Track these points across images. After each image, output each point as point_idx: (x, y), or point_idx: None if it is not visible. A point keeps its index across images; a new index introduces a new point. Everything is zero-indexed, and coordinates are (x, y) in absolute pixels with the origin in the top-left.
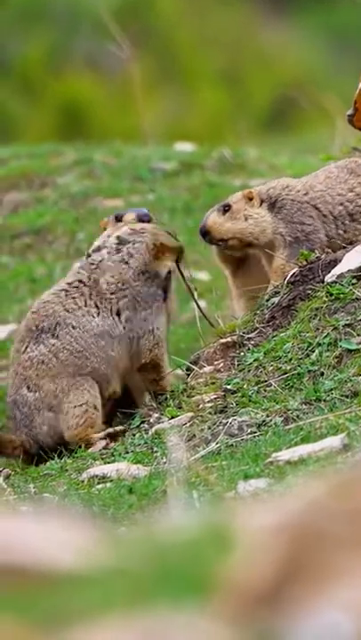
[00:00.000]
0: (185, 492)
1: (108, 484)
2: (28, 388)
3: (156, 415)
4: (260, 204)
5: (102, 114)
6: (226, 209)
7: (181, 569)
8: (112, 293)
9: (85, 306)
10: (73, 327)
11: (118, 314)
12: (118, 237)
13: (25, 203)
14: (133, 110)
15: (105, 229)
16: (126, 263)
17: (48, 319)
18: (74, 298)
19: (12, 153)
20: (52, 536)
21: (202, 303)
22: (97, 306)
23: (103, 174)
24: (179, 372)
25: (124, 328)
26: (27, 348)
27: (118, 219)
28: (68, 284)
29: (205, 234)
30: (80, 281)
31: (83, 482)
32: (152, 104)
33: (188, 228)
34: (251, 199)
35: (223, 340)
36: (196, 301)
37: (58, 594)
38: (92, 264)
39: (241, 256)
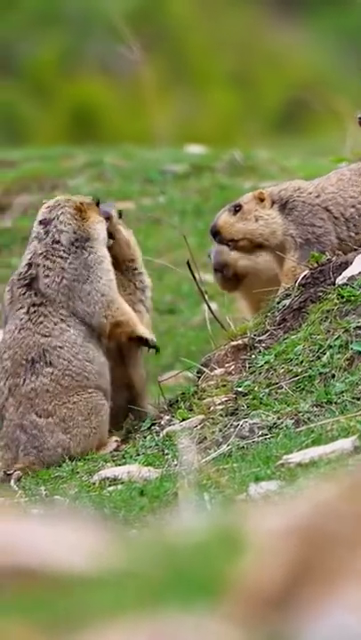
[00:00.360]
0: (196, 495)
1: (120, 487)
2: (37, 414)
3: (167, 417)
4: (272, 206)
5: (113, 116)
6: (237, 209)
7: (192, 571)
8: (56, 291)
9: (55, 324)
10: (60, 347)
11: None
12: (40, 221)
13: (35, 205)
14: (144, 113)
15: None
16: (57, 242)
17: (33, 350)
18: (41, 323)
19: (23, 155)
20: (63, 538)
21: (213, 305)
22: (62, 316)
23: (114, 177)
24: (189, 374)
25: (77, 316)
26: (25, 381)
27: None
28: (26, 313)
29: (216, 234)
30: (33, 304)
31: (94, 484)
32: (163, 106)
33: (198, 231)
34: (262, 200)
35: (234, 343)
36: (207, 303)
37: (69, 596)
38: (23, 279)
39: (236, 283)
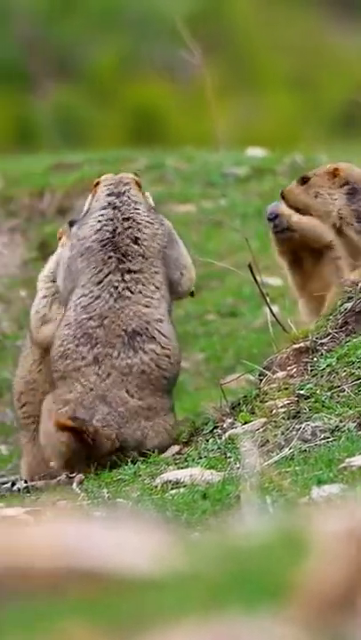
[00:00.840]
0: (258, 498)
1: (182, 490)
2: (128, 392)
3: (230, 420)
4: (341, 186)
5: (174, 119)
6: (305, 180)
7: (255, 574)
8: (154, 255)
9: (153, 293)
10: (160, 321)
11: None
12: (109, 194)
13: None
14: (205, 116)
15: (60, 239)
16: (137, 209)
17: (134, 320)
18: (140, 292)
19: (84, 158)
20: (126, 541)
21: (274, 308)
22: (158, 283)
23: (175, 180)
24: (251, 377)
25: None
26: (120, 353)
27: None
28: (121, 280)
29: (282, 198)
30: (129, 271)
31: (156, 487)
32: (224, 109)
33: (259, 234)
34: (335, 176)
35: (296, 346)
36: (269, 306)
37: (132, 599)
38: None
39: (297, 254)
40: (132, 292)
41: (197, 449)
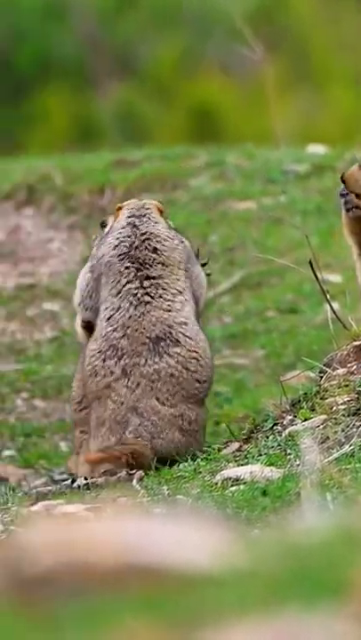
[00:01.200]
0: (318, 495)
1: (242, 487)
2: (158, 399)
3: (290, 417)
4: None
5: (235, 116)
6: None
7: (315, 571)
8: (178, 262)
9: (175, 296)
10: (184, 324)
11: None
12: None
13: None
14: (266, 113)
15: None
16: (156, 228)
17: (156, 326)
18: (161, 296)
19: (144, 155)
20: (186, 538)
21: (335, 305)
22: (180, 287)
23: (235, 176)
24: (311, 374)
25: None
26: (147, 360)
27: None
28: (140, 286)
29: (343, 182)
30: (147, 277)
31: (216, 484)
32: (284, 106)
33: (320, 231)
34: None
35: (357, 343)
36: (329, 303)
37: (192, 596)
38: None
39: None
40: (151, 297)
41: (257, 446)
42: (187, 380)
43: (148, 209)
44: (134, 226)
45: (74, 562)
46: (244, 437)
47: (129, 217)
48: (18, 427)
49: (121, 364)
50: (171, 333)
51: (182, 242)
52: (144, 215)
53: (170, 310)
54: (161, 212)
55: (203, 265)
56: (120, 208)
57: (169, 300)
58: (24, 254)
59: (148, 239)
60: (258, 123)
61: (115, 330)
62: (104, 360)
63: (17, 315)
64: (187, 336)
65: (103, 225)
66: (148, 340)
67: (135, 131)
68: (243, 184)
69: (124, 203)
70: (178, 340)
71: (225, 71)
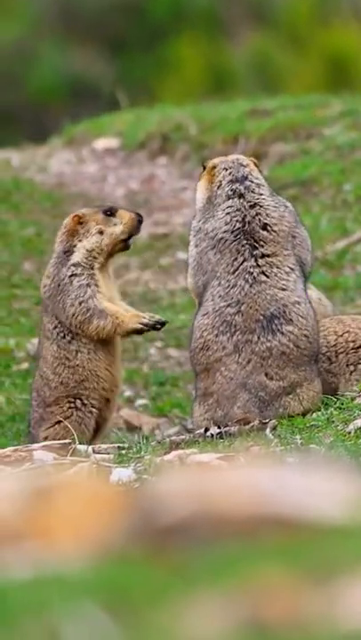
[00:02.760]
0: None
1: None
2: (267, 375)
3: None
4: None
5: None
6: None
7: None
8: (284, 239)
9: (288, 275)
10: (298, 303)
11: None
12: (233, 180)
13: (291, 154)
14: None
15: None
16: (262, 194)
17: (272, 304)
18: (276, 275)
19: (278, 104)
20: (319, 488)
21: None
22: (292, 265)
23: None
24: None
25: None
26: (259, 338)
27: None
28: (255, 265)
29: None
30: (262, 255)
31: (349, 433)
32: None
33: None
34: None
35: None
36: None
37: (324, 545)
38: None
39: None
40: (267, 277)
41: None
42: (296, 356)
43: (245, 166)
44: (240, 196)
45: (207, 512)
46: None
47: (231, 182)
48: (151, 376)
49: (233, 340)
50: (285, 312)
51: (286, 206)
52: (246, 178)
53: (285, 289)
54: (256, 165)
55: None
56: (212, 168)
57: (284, 280)
58: (158, 203)
59: (258, 214)
60: None
61: (229, 305)
62: (216, 335)
63: (151, 264)
64: (300, 315)
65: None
66: (262, 318)
67: (269, 80)
68: None
69: (214, 161)
70: (291, 319)
71: (359, 19)
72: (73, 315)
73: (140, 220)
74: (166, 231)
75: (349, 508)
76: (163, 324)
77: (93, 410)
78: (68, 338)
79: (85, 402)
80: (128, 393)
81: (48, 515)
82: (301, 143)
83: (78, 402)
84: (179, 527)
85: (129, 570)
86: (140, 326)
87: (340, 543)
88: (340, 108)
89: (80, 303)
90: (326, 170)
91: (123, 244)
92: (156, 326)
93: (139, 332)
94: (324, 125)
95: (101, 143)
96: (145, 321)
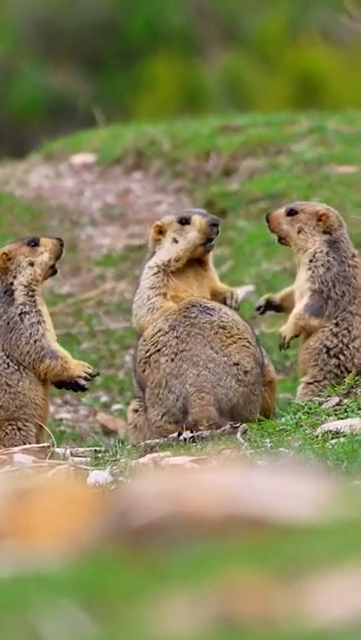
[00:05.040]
0: None
1: (342, 439)
2: (213, 348)
3: None
4: (323, 233)
5: (336, 83)
6: (292, 213)
7: None
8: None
9: None
10: None
11: None
12: None
13: (261, 169)
14: None
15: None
16: None
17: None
18: None
19: (249, 121)
20: (288, 489)
21: None
22: None
23: (336, 142)
24: None
25: None
26: (197, 316)
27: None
28: None
29: (266, 220)
30: None
31: (317, 437)
32: None
33: None
34: (320, 221)
35: None
36: None
37: (294, 545)
38: None
39: None
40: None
41: (356, 400)
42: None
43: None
44: None
45: (180, 512)
46: (344, 392)
47: None
48: (126, 382)
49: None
50: None
51: None
52: None
53: None
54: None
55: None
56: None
57: None
58: (133, 217)
59: None
60: (359, 89)
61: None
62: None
63: (126, 275)
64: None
65: (181, 221)
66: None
67: (240, 97)
68: (344, 149)
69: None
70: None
71: (327, 39)
72: (27, 352)
73: (61, 244)
74: (141, 243)
75: (317, 509)
76: (96, 375)
77: (32, 433)
78: (12, 369)
79: (26, 425)
80: (104, 398)
81: (27, 515)
82: (271, 159)
83: (20, 423)
84: (153, 527)
85: (105, 568)
86: (85, 375)
87: (308, 543)
88: (308, 125)
89: (35, 342)
90: (295, 184)
91: (51, 270)
92: (94, 378)
93: (78, 381)
94: (292, 142)
95: (79, 158)
96: (89, 371)
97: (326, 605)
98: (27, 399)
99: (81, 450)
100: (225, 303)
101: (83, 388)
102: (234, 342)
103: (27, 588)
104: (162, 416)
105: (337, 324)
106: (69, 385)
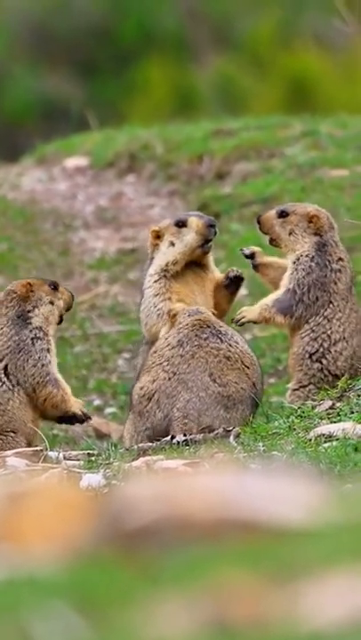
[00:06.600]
0: None
1: (335, 443)
2: (211, 375)
3: None
4: (314, 235)
5: (328, 87)
6: (283, 215)
7: None
8: None
9: None
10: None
11: None
12: None
13: (254, 173)
14: (359, 83)
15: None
16: None
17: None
18: None
19: (242, 125)
20: (281, 492)
21: None
22: None
23: (329, 145)
24: None
25: None
26: (207, 338)
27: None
28: None
29: (258, 222)
30: None
31: (310, 440)
32: None
33: None
34: (311, 222)
35: None
36: None
37: (287, 548)
38: None
39: None
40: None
41: (349, 404)
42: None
43: None
44: None
45: (173, 516)
46: (337, 396)
47: None
48: (119, 386)
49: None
50: None
51: None
52: None
53: None
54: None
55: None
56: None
57: None
58: (126, 220)
59: None
60: (351, 93)
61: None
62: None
63: (119, 278)
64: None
65: (178, 224)
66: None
67: (233, 101)
68: (336, 152)
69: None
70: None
71: (319, 43)
72: (32, 375)
73: (72, 297)
74: (134, 246)
75: (310, 513)
76: (89, 419)
77: (23, 444)
78: (5, 387)
79: (16, 438)
80: (97, 402)
81: (20, 519)
82: (264, 162)
83: (12, 434)
84: (146, 531)
85: (99, 571)
86: (80, 413)
87: (301, 546)
88: (300, 129)
89: (42, 366)
90: (287, 188)
91: (60, 319)
92: (88, 421)
93: (73, 417)
94: (285, 145)
95: (72, 162)
96: (85, 410)
97: (319, 608)
98: (15, 417)
99: (74, 453)
100: (228, 278)
101: (81, 421)
102: (233, 371)
103: (20, 592)
104: (145, 430)
105: (313, 330)
106: (68, 420)
